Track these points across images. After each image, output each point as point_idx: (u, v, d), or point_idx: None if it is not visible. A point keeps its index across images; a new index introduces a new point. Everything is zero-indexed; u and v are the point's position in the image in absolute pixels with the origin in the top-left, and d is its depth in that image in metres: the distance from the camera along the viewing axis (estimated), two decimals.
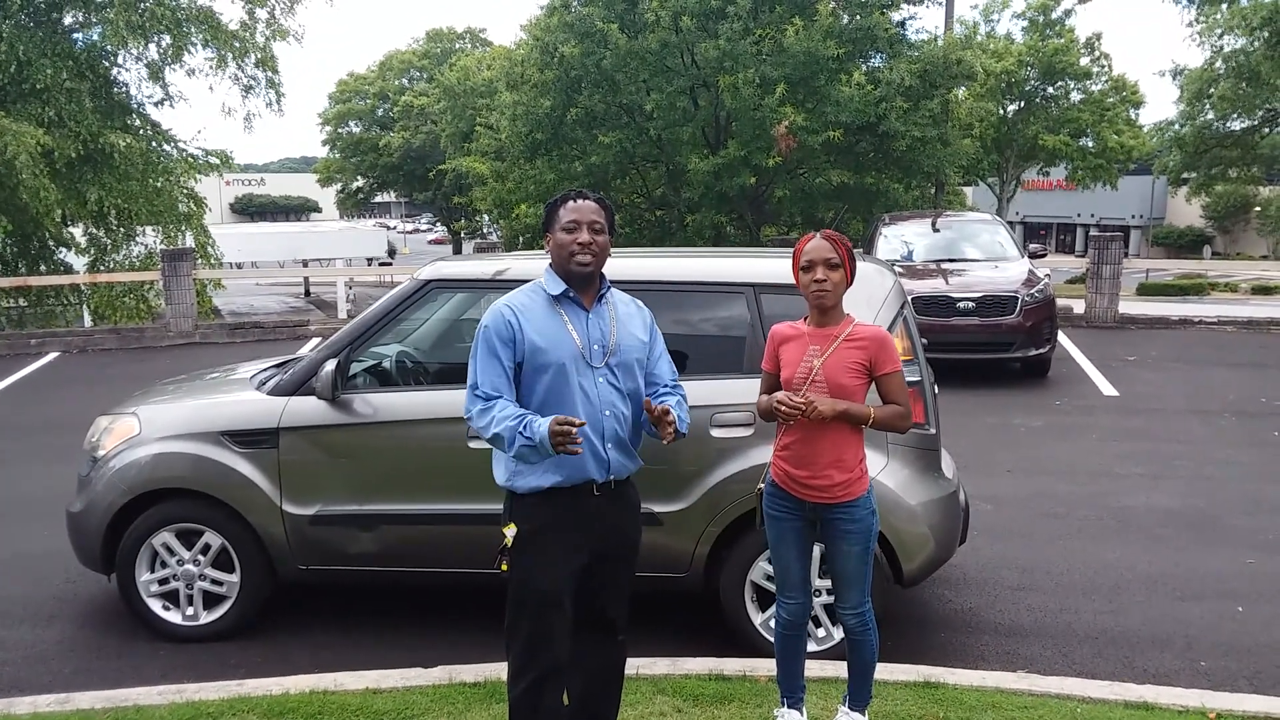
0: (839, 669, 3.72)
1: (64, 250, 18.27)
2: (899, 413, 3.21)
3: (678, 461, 4.15)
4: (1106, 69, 33.99)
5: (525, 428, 2.79)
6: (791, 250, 3.29)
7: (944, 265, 11.15)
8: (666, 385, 3.12)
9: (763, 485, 3.37)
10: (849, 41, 17.77)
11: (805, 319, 3.29)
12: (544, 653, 2.92)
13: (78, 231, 18.20)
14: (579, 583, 2.98)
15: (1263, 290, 29.46)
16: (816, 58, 16.94)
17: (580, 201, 2.97)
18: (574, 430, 2.72)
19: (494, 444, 2.92)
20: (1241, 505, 6.41)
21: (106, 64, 17.27)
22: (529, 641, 2.93)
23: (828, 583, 3.77)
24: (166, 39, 16.92)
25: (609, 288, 3.07)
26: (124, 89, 18.22)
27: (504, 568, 2.95)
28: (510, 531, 2.92)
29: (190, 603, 4.57)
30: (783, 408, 3.09)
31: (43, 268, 17.54)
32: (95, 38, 17.08)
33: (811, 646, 3.95)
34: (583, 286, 2.98)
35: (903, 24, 19.70)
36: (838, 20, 17.73)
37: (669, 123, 18.24)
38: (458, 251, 45.73)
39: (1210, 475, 7.07)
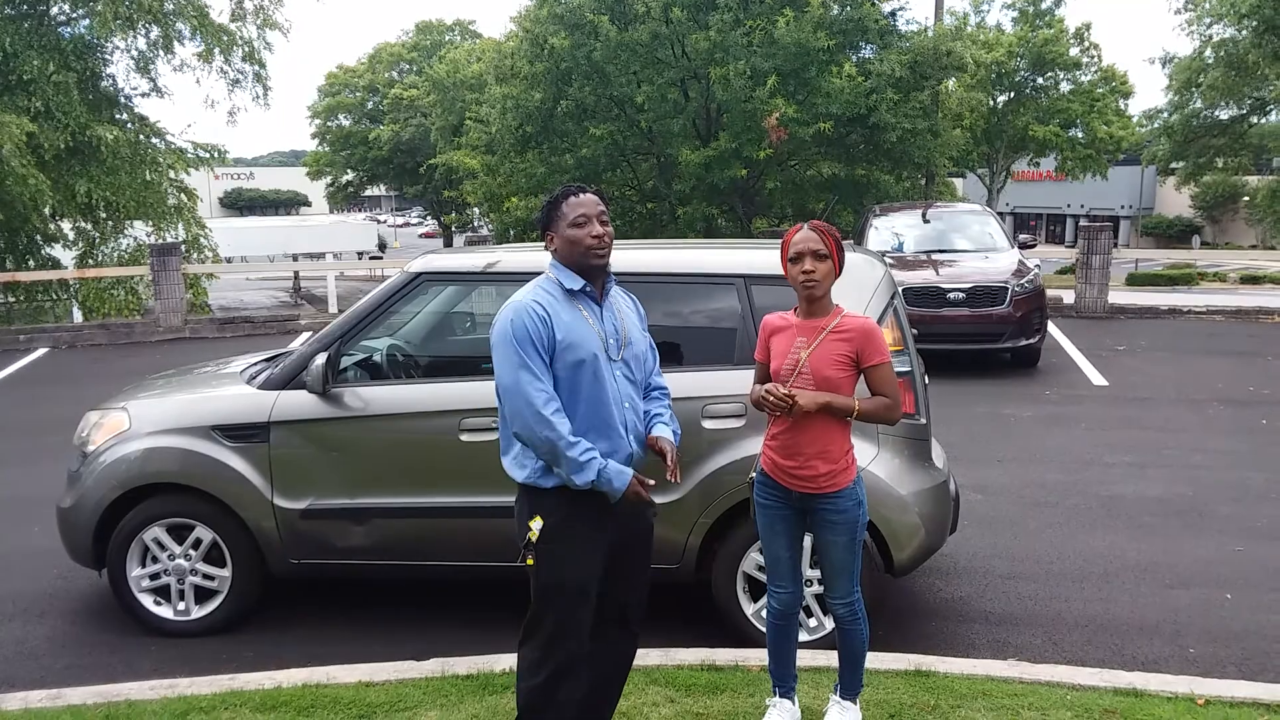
0: (831, 658, 3.73)
1: (52, 245, 18.17)
2: (886, 404, 3.20)
3: None
4: (1096, 59, 34.13)
5: (600, 478, 2.83)
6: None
7: (934, 256, 11.17)
8: (657, 388, 3.13)
9: (754, 475, 3.38)
10: (839, 33, 17.78)
11: (795, 309, 3.29)
12: (567, 645, 2.91)
13: (66, 225, 18.09)
14: (603, 573, 2.97)
15: (1251, 279, 29.52)
16: (807, 49, 16.95)
17: (583, 195, 2.94)
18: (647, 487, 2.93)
19: (551, 460, 2.83)
20: (1229, 493, 6.45)
21: (93, 58, 17.14)
22: (552, 634, 2.91)
23: (819, 572, 3.78)
24: (155, 30, 16.83)
25: (613, 281, 3.04)
26: (112, 81, 18.11)
27: (529, 562, 2.91)
28: (536, 524, 2.88)
29: (182, 598, 4.56)
30: (769, 399, 3.10)
31: (30, 263, 17.44)
32: (83, 29, 16.98)
33: (803, 636, 3.97)
34: (597, 280, 2.97)
35: (893, 15, 19.71)
36: (828, 11, 17.74)
37: (660, 115, 18.22)
38: (449, 245, 45.60)
39: (1199, 464, 7.10)
